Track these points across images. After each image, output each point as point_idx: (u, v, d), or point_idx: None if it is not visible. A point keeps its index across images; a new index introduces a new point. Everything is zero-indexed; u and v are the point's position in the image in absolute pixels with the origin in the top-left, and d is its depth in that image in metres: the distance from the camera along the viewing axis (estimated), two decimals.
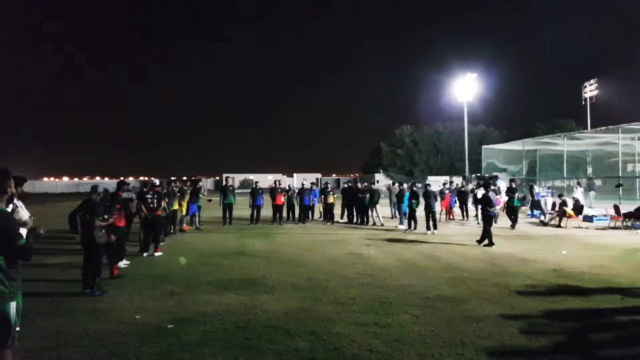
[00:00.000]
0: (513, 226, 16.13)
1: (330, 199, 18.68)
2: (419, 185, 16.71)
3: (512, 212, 16.99)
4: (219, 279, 8.24)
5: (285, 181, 38.80)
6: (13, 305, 3.37)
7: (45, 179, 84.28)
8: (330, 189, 19.24)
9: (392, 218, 19.66)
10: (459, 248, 11.91)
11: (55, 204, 30.47)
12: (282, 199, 18.12)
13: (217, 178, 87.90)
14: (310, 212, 19.24)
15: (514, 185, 17.98)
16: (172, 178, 29.92)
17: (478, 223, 17.14)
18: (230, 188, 17.99)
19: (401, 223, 17.05)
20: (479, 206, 15.18)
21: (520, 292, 7.26)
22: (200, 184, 18.20)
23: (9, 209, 3.53)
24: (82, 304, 6.61)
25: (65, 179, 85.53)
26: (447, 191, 20.00)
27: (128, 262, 9.62)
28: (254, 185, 18.17)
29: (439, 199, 17.61)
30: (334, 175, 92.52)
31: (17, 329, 3.41)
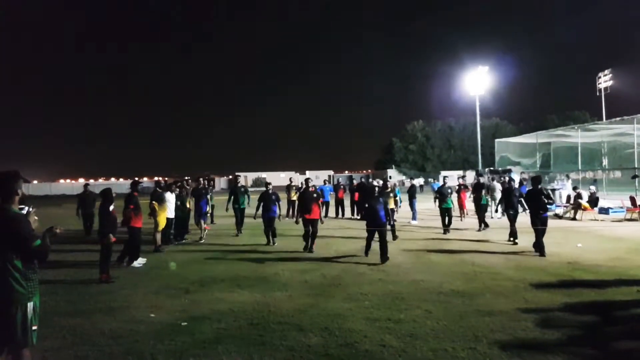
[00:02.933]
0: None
1: (392, 204, 13.11)
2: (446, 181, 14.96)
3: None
4: (232, 277, 8.30)
5: (298, 179, 38.69)
6: (30, 305, 3.44)
7: (62, 180, 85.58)
8: (390, 189, 13.82)
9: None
10: (473, 243, 11.84)
11: (72, 206, 30.81)
12: (319, 209, 11.22)
13: (230, 177, 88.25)
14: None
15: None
16: (186, 178, 29.92)
17: (497, 217, 16.92)
18: (242, 189, 14.89)
19: (413, 219, 17.03)
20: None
21: (534, 285, 7.21)
22: (204, 180, 15.03)
23: (24, 211, 3.59)
24: (99, 304, 6.71)
25: (81, 180, 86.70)
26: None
27: (144, 260, 9.73)
28: (265, 188, 12.53)
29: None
30: (346, 172, 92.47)
31: (34, 328, 3.48)
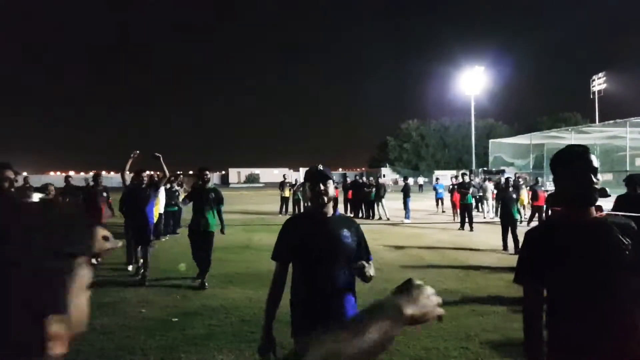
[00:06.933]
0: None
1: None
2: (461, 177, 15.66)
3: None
4: (224, 273, 8.27)
5: (292, 176, 38.44)
6: None
7: (52, 172, 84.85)
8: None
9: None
10: (466, 243, 11.88)
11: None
12: None
13: (223, 172, 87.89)
14: None
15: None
16: (178, 172, 29.64)
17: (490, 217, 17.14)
18: (212, 196, 7.60)
19: (407, 217, 17.08)
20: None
21: None
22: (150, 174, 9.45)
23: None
24: (89, 299, 6.64)
25: (72, 172, 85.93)
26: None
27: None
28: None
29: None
30: (340, 169, 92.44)
31: None
